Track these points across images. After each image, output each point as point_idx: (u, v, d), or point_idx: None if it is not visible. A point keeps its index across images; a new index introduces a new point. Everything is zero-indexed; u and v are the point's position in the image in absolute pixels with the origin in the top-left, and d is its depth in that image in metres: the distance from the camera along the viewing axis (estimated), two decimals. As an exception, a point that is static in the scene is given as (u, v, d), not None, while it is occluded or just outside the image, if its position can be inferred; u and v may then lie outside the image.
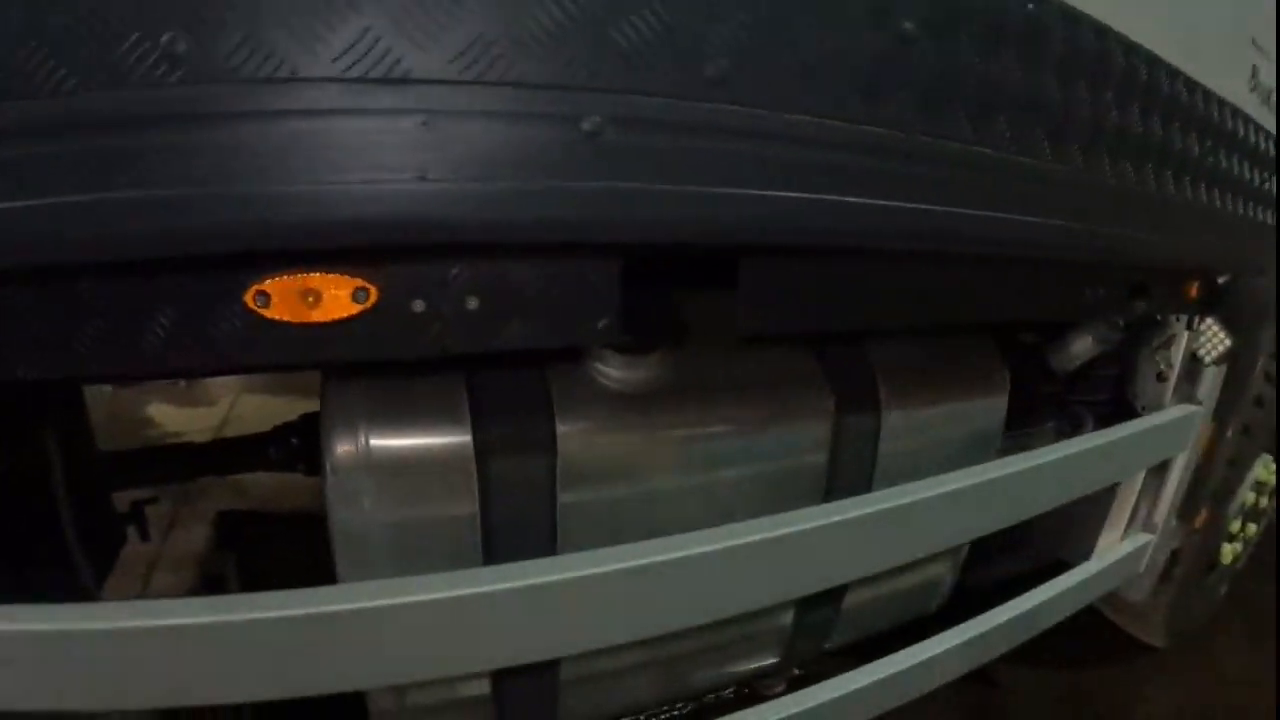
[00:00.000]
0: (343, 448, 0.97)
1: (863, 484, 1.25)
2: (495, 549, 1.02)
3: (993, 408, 1.44)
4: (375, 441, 0.98)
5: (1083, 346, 1.62)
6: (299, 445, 1.45)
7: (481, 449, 0.99)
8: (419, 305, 0.83)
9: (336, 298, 0.80)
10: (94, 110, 0.65)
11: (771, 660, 1.36)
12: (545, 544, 1.04)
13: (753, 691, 1.41)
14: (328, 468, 0.97)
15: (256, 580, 1.78)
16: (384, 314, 0.82)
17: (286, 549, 1.87)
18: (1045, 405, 1.72)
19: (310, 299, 0.80)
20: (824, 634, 1.38)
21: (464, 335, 0.86)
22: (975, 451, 1.41)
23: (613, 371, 1.06)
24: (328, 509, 0.98)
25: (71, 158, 0.66)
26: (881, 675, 1.33)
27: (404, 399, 1.00)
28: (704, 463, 1.12)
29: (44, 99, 0.65)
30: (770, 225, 0.87)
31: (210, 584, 1.68)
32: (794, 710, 1.23)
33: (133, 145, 0.66)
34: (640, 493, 1.08)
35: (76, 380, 0.84)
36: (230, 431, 2.63)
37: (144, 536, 1.37)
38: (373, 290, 0.81)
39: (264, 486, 1.83)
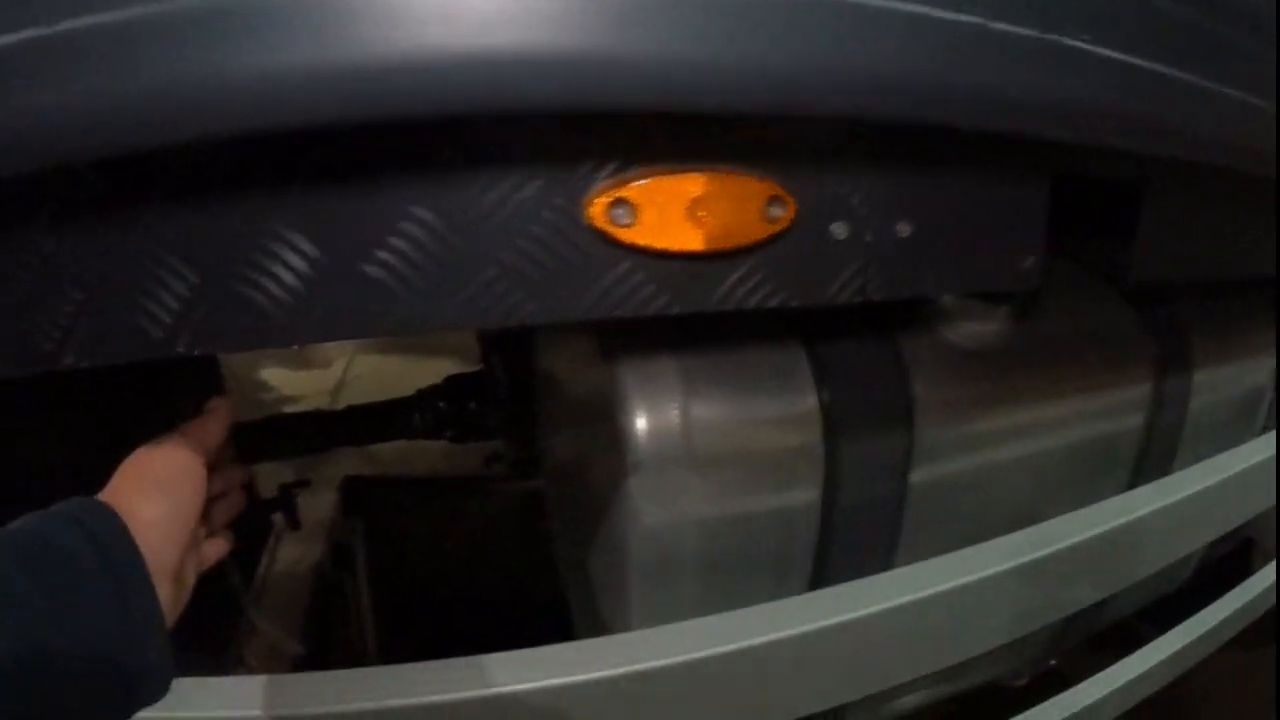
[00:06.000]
0: (653, 424, 0.75)
1: (1169, 451, 1.07)
2: (830, 546, 0.82)
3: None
4: (697, 414, 0.75)
5: None
6: (447, 410, 1.29)
7: (831, 422, 0.77)
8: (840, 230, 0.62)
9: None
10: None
11: (1042, 654, 1.20)
12: (887, 537, 0.84)
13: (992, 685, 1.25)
14: (628, 452, 0.74)
15: (385, 549, 1.57)
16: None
17: (416, 516, 1.65)
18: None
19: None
20: (1093, 623, 1.22)
21: (884, 276, 0.64)
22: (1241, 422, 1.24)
23: (968, 326, 0.85)
24: (619, 504, 0.77)
25: None
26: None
27: (729, 366, 0.77)
28: (1043, 430, 0.92)
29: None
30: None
31: (337, 553, 1.46)
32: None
33: None
34: (987, 470, 0.88)
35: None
36: (347, 394, 2.48)
37: (294, 525, 1.13)
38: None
39: (391, 451, 1.60)
